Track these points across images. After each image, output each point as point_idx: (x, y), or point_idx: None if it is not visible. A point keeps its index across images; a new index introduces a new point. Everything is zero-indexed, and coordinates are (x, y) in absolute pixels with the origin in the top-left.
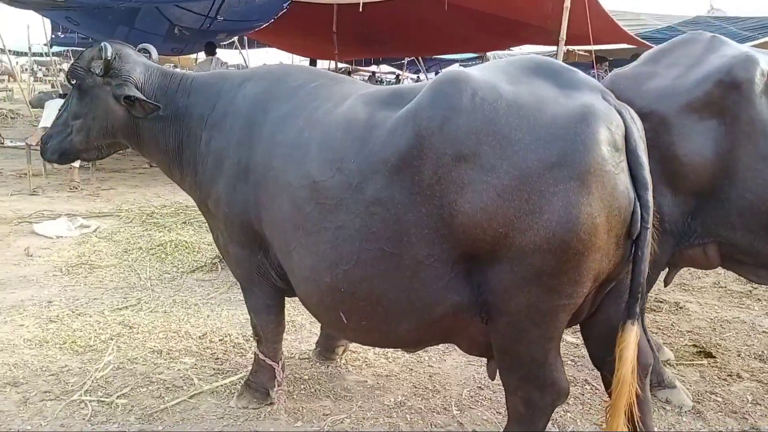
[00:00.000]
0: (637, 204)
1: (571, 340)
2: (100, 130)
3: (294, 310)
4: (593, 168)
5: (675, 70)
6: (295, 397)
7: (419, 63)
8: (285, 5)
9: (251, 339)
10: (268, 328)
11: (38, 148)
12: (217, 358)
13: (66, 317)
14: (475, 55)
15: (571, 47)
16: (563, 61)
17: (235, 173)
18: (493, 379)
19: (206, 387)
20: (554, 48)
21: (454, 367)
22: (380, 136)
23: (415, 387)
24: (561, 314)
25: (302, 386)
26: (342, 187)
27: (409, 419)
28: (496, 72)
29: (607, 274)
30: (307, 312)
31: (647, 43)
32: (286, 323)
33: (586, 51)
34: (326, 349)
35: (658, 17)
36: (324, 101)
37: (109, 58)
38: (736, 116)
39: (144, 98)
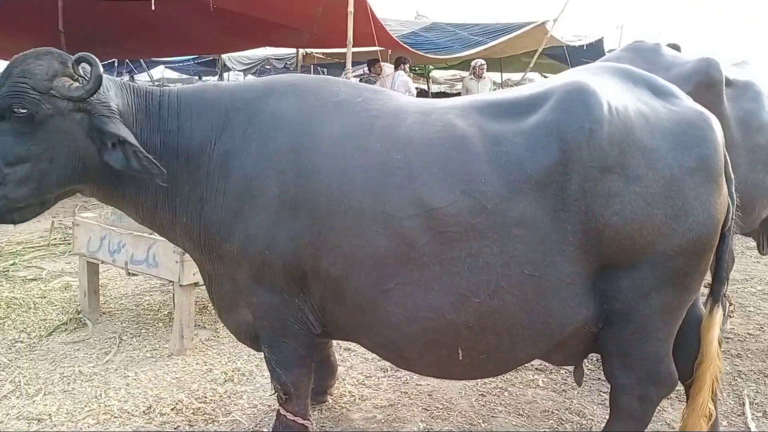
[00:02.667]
0: (729, 198)
1: None
2: (63, 176)
3: (236, 357)
4: (720, 169)
5: None
6: None
7: (131, 64)
8: None
9: (208, 400)
10: (301, 382)
11: None
12: None
13: None
14: (189, 57)
15: (310, 50)
16: (302, 62)
17: (277, 207)
18: (579, 385)
19: None
20: (292, 51)
21: (439, 381)
22: (513, 153)
23: (426, 410)
24: (684, 310)
25: None
26: (473, 211)
27: None
28: (601, 81)
29: None
30: (255, 357)
31: (406, 46)
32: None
33: (323, 54)
34: (318, 392)
35: (401, 23)
36: (394, 118)
37: (101, 76)
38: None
39: (147, 155)
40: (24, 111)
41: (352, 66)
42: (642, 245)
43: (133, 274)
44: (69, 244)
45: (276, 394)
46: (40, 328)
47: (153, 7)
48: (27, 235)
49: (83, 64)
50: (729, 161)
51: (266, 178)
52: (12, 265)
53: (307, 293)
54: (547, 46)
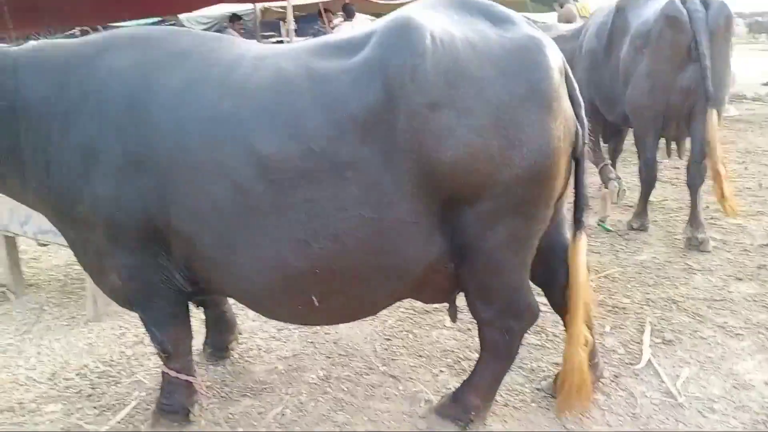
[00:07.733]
0: (577, 123)
1: None
2: None
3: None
4: (555, 95)
5: None
6: (208, 408)
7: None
8: None
9: (114, 363)
10: (178, 339)
11: None
12: (90, 395)
13: None
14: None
15: (268, 4)
16: (262, 18)
17: (121, 165)
18: (454, 321)
19: (103, 429)
20: (250, 7)
21: (347, 329)
22: (338, 91)
23: (328, 357)
24: (535, 239)
25: (210, 394)
26: (302, 156)
27: (345, 388)
28: (432, 12)
29: (560, 194)
30: None
31: None
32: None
33: (281, 8)
34: (218, 348)
35: None
36: (229, 66)
37: None
38: None
39: None
40: None
41: (309, 19)
42: (480, 178)
43: (44, 244)
44: None
45: (158, 354)
46: None
47: None
48: None
49: None
50: (575, 84)
51: (107, 137)
52: None
53: (169, 252)
54: None
